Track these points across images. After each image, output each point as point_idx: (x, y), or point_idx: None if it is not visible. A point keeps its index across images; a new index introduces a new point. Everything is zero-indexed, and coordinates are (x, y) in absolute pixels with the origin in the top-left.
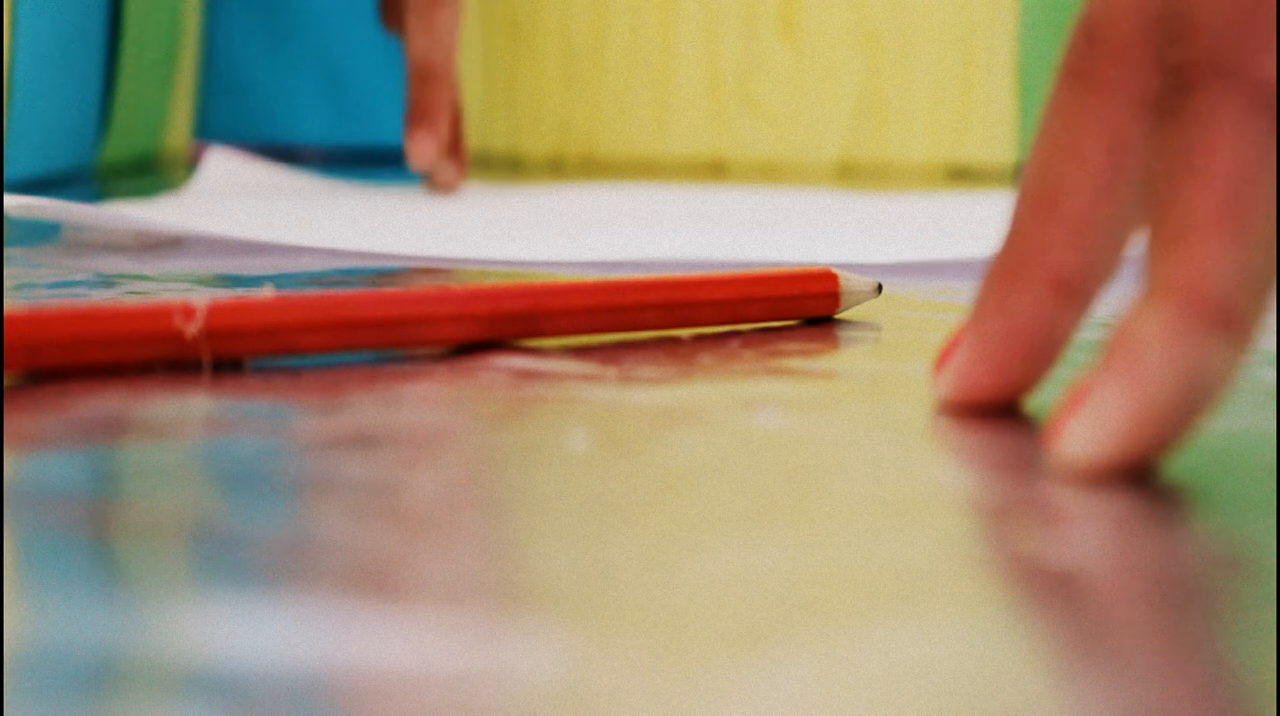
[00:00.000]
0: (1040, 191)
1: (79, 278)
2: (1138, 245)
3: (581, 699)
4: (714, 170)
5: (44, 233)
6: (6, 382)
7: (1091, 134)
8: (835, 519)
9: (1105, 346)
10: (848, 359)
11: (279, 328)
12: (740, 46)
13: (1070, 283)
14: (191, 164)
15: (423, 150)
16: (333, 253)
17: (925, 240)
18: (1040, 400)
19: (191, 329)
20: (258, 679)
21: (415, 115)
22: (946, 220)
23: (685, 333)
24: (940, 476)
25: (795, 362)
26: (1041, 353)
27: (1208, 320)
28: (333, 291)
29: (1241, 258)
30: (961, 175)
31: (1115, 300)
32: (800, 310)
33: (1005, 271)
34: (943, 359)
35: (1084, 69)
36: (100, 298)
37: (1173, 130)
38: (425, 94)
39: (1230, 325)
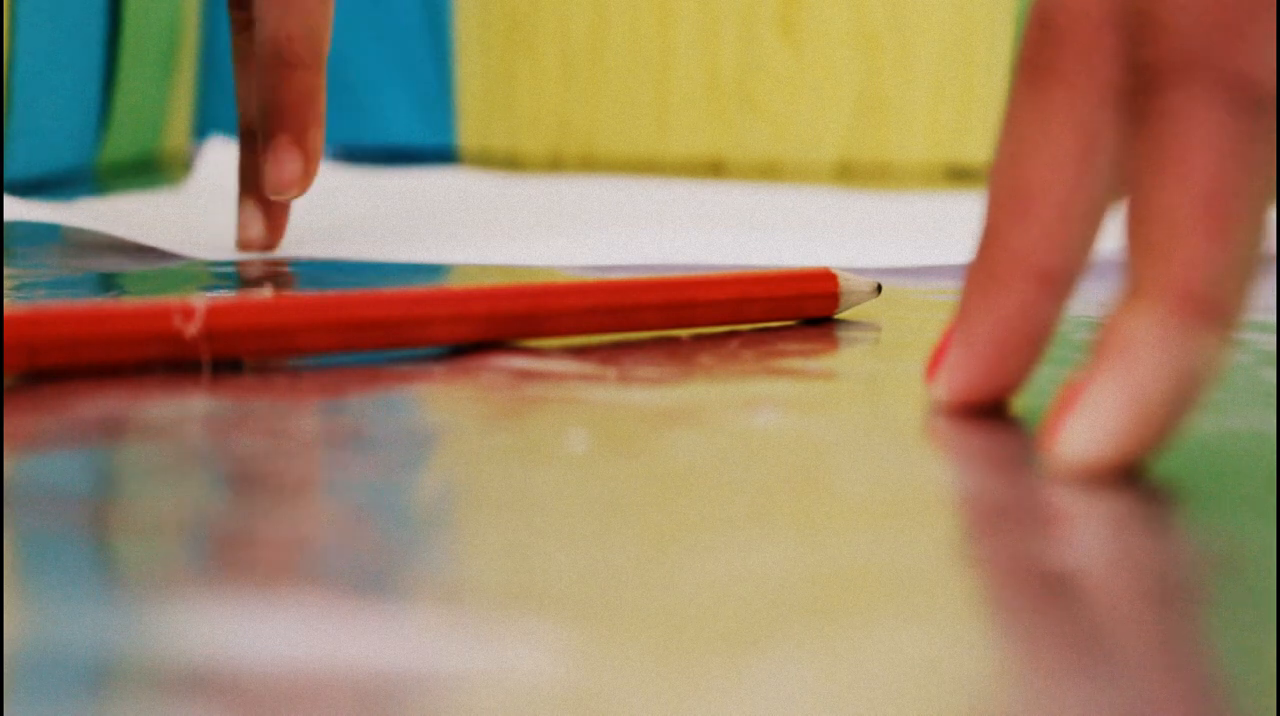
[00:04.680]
0: (1014, 189)
1: (79, 277)
2: (1111, 240)
3: (581, 699)
4: (714, 170)
5: (44, 233)
6: (6, 383)
7: (1059, 126)
8: (834, 519)
9: (1097, 346)
10: (847, 359)
11: (279, 328)
12: (740, 46)
13: (1054, 275)
14: (191, 164)
15: (286, 173)
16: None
17: (925, 241)
18: (1035, 402)
19: (191, 329)
20: (258, 679)
21: (276, 120)
22: (946, 220)
23: (685, 333)
24: (939, 477)
25: (795, 363)
26: (1033, 346)
27: (1200, 318)
28: (332, 291)
29: (1228, 253)
30: (961, 175)
31: (1104, 300)
32: (800, 310)
33: (988, 272)
34: (934, 364)
35: (1044, 64)
36: (100, 298)
37: (1146, 128)
38: (286, 88)
39: (1221, 318)
